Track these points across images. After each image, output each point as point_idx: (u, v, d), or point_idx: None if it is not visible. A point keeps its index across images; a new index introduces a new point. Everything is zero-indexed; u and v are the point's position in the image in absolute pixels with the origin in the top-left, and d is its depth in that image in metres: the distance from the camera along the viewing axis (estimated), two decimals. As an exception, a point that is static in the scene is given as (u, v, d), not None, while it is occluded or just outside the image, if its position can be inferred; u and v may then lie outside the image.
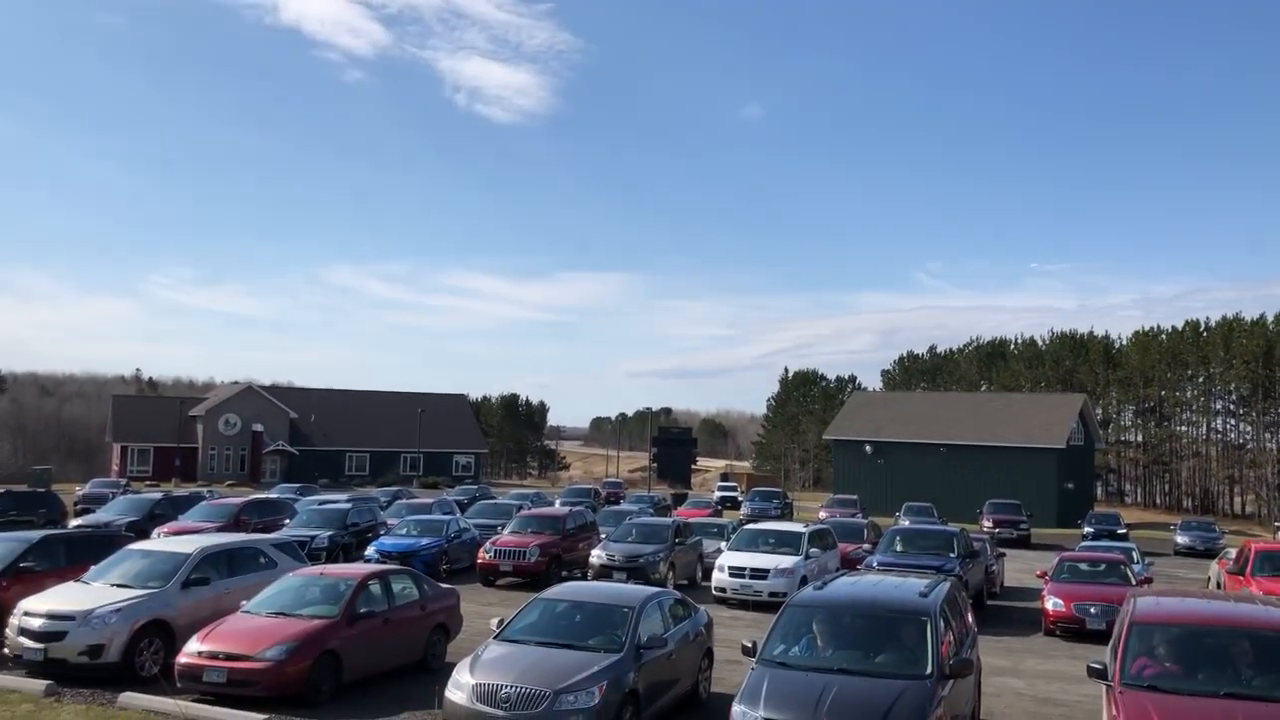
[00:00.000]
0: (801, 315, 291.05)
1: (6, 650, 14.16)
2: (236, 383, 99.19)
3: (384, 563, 22.82)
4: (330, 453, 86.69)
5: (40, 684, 13.08)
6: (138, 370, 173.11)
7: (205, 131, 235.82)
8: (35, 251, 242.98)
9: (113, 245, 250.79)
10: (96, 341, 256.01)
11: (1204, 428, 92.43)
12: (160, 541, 18.30)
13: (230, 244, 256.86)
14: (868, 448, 66.40)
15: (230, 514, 29.69)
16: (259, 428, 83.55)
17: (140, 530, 27.57)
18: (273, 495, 39.44)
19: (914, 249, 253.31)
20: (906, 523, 38.27)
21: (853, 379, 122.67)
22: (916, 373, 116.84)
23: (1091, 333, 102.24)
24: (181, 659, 13.03)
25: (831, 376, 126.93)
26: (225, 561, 16.12)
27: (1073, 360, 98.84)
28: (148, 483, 67.47)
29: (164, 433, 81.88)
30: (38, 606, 14.10)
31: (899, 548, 24.45)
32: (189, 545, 16.29)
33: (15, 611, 14.24)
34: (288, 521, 29.74)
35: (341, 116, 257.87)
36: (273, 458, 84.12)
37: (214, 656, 12.82)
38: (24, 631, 13.88)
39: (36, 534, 18.07)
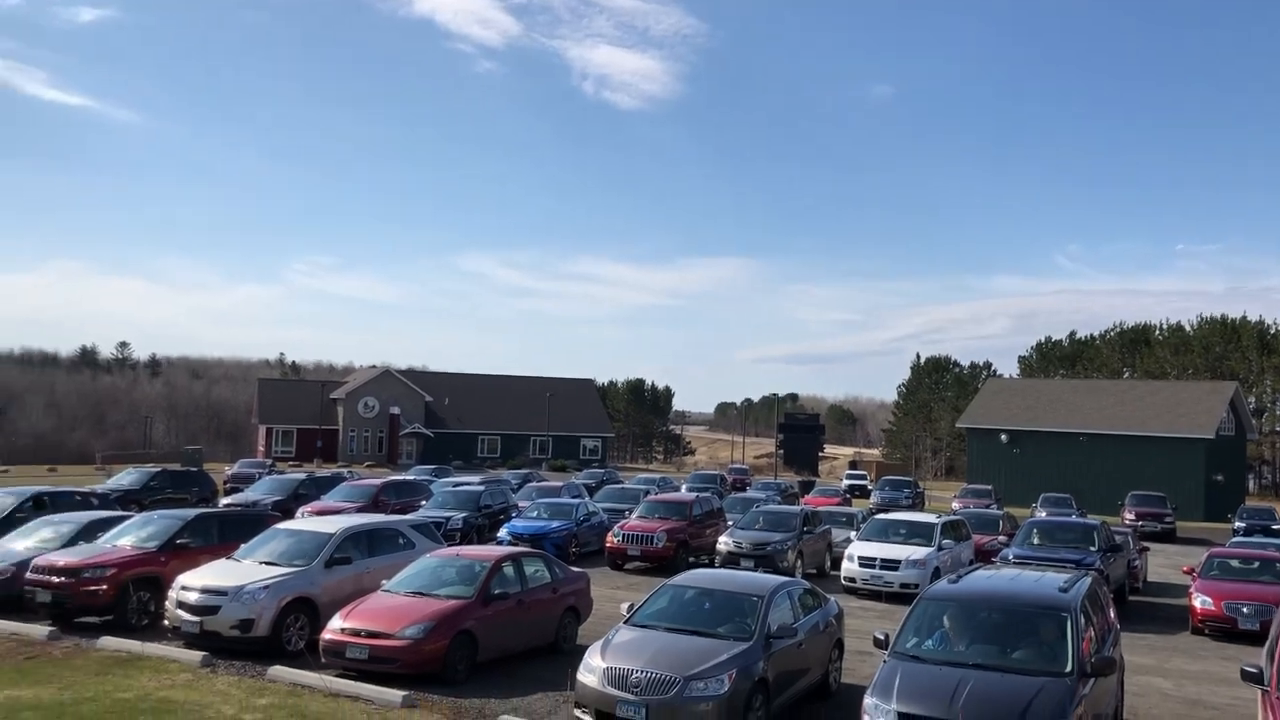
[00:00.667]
0: (933, 299, 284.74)
1: (166, 622, 14.99)
2: (374, 366, 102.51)
3: (516, 545, 23.29)
4: (463, 435, 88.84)
5: (196, 655, 13.82)
6: (281, 354, 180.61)
7: (343, 123, 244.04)
8: (189, 242, 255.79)
9: (258, 235, 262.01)
10: (242, 327, 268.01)
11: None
12: (305, 521, 19.08)
13: (366, 232, 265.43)
14: (1004, 436, 64.61)
15: (370, 495, 30.70)
16: (396, 410, 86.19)
17: (285, 509, 28.80)
18: (409, 477, 40.64)
19: (1052, 231, 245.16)
20: (1044, 514, 37.15)
21: (988, 365, 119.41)
22: (1055, 359, 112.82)
23: (1244, 317, 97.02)
24: (325, 635, 13.57)
25: (965, 362, 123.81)
26: (366, 541, 16.70)
27: (1223, 346, 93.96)
28: (291, 463, 70.37)
29: (306, 415, 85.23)
30: (194, 581, 14.88)
31: (1036, 540, 23.74)
32: (332, 525, 16.94)
33: (174, 585, 15.06)
34: (424, 502, 30.59)
35: (472, 106, 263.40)
36: (409, 440, 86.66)
37: (356, 634, 13.31)
38: (181, 605, 14.67)
39: (192, 512, 19.05)
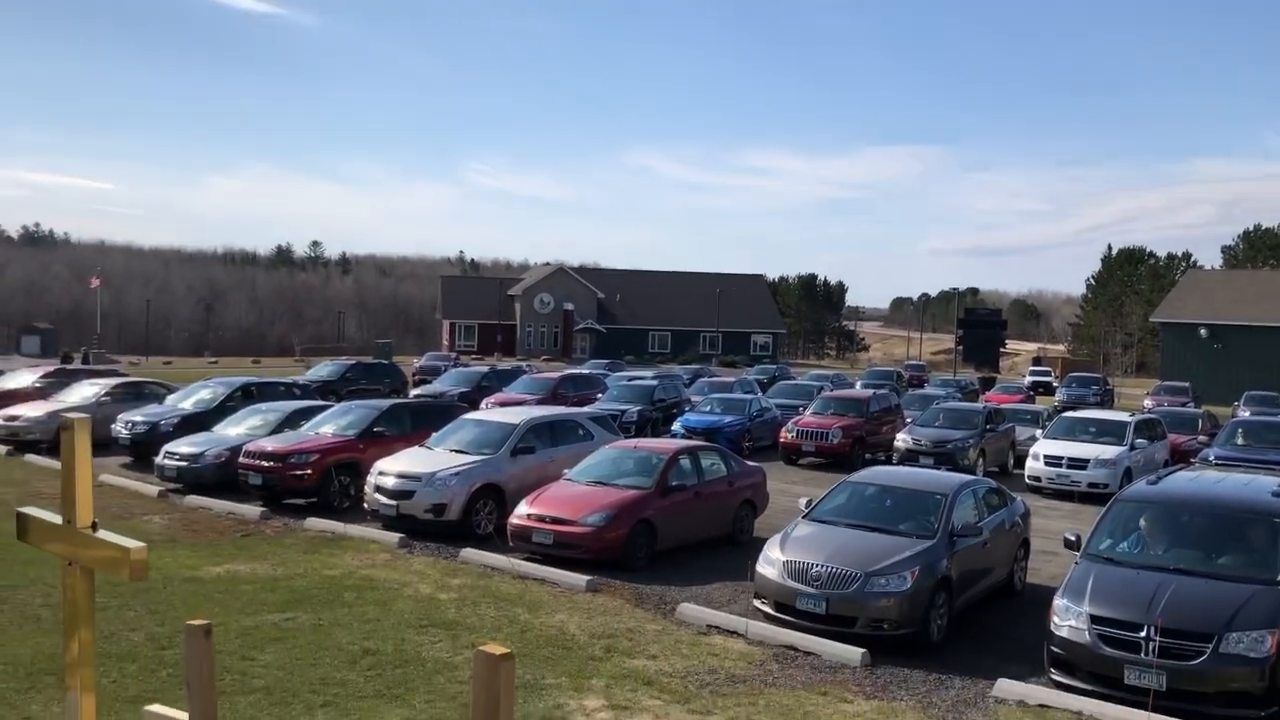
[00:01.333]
0: (1126, 186, 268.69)
1: (365, 505, 15.89)
2: (548, 264, 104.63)
3: (690, 438, 23.54)
4: (634, 331, 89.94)
5: (394, 537, 14.62)
6: (461, 252, 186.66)
7: (514, 23, 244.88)
8: (370, 143, 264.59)
9: (435, 136, 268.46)
10: (423, 225, 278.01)
11: None
12: (491, 412, 19.79)
13: (537, 131, 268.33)
14: (1203, 331, 60.90)
15: (549, 387, 31.57)
16: (570, 306, 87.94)
17: (471, 400, 29.92)
18: (585, 370, 41.52)
19: (1259, 107, 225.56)
20: (1248, 413, 34.95)
21: (1186, 256, 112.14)
22: (1265, 248, 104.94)
23: None
24: (513, 520, 14.11)
25: (1161, 254, 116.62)
26: (548, 432, 17.20)
27: None
28: (473, 356, 72.99)
29: (486, 311, 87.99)
30: (390, 467, 15.69)
31: (1241, 441, 22.45)
32: (517, 416, 17.52)
33: (371, 471, 15.91)
34: (600, 396, 31.24)
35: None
36: (582, 335, 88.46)
37: (541, 520, 13.79)
38: (379, 489, 15.51)
39: (386, 402, 20.02)
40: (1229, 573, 9.69)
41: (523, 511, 14.11)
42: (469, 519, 15.13)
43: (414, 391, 34.57)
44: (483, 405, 27.25)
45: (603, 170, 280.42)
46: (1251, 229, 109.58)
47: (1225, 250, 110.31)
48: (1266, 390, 44.16)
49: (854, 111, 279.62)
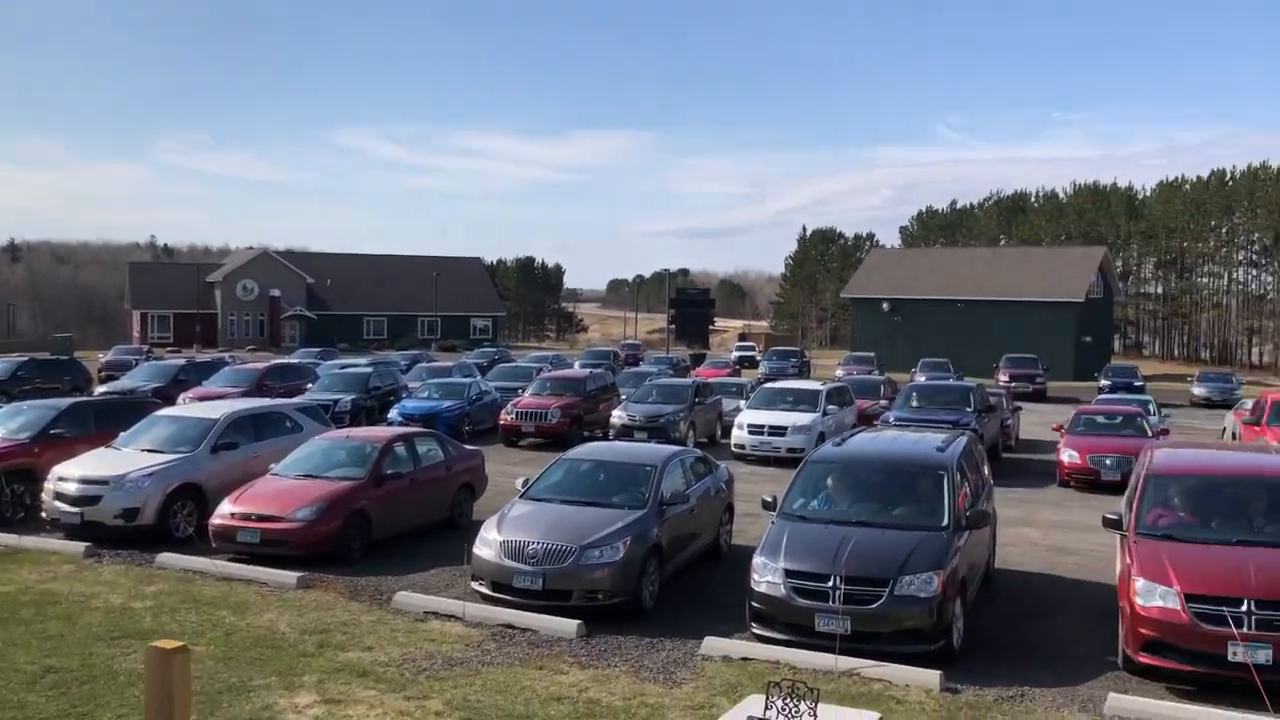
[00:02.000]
0: (820, 171, 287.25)
1: (43, 514, 14.54)
2: (252, 248, 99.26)
3: (407, 425, 23.14)
4: (348, 317, 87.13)
5: (79, 546, 13.50)
6: (152, 237, 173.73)
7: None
8: (40, 118, 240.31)
9: (119, 110, 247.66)
10: (108, 208, 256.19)
11: (1225, 279, 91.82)
12: (188, 407, 18.61)
13: (239, 107, 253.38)
14: (885, 305, 66.31)
15: (253, 379, 30.02)
16: (276, 293, 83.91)
17: (166, 396, 27.93)
18: (294, 360, 39.82)
19: (934, 101, 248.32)
20: (923, 379, 38.48)
21: (871, 236, 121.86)
22: (936, 228, 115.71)
23: (1114, 184, 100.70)
24: (215, 520, 13.39)
25: (850, 234, 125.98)
26: (252, 426, 16.40)
27: (1094, 212, 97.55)
28: (169, 349, 68.22)
29: (182, 299, 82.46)
30: (72, 472, 14.44)
31: (916, 403, 24.62)
32: (217, 410, 16.58)
33: (49, 477, 14.58)
34: (310, 386, 30.07)
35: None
36: (291, 323, 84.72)
37: (246, 518, 13.16)
38: (59, 496, 14.25)
39: (66, 401, 18.38)
40: (902, 522, 10.67)
41: (226, 510, 13.41)
42: (166, 522, 14.19)
43: (99, 389, 31.88)
44: (179, 400, 25.58)
45: (311, 150, 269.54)
46: (924, 210, 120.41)
47: (903, 230, 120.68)
48: (939, 357, 48.80)
49: (569, 95, 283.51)
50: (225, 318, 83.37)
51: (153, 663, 2.65)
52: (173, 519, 14.29)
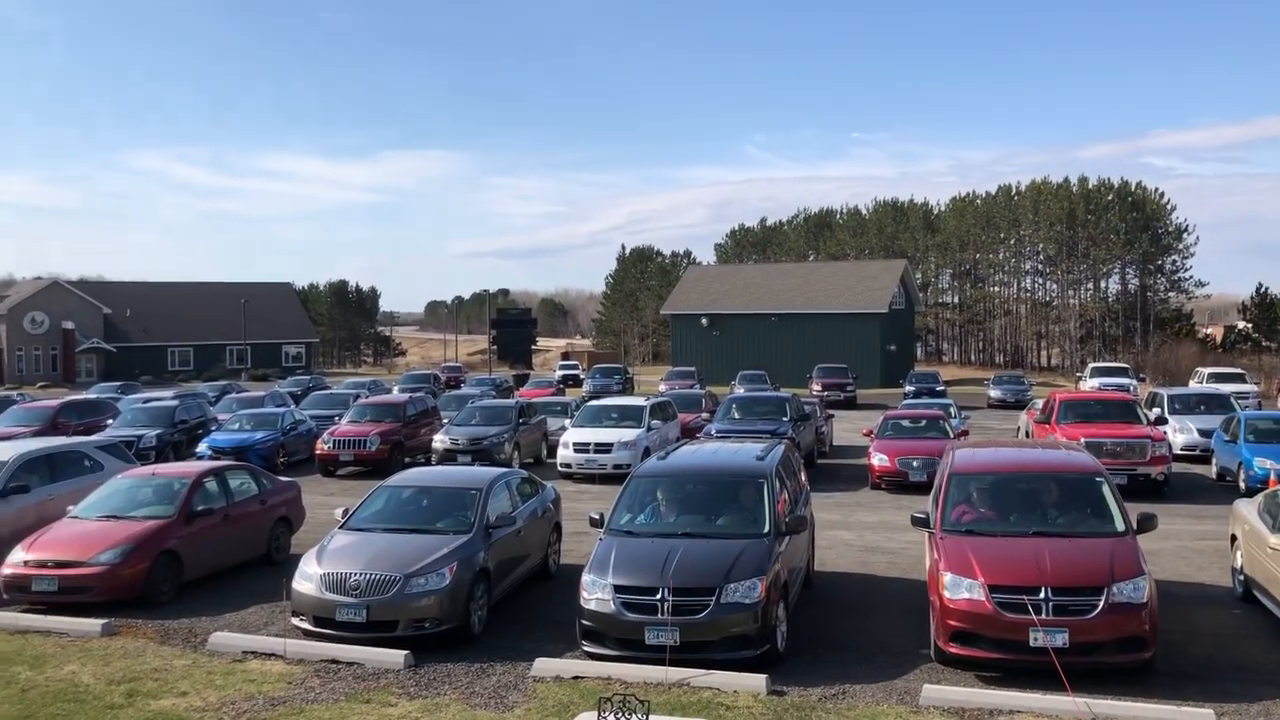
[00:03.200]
0: (635, 191, 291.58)
1: None
2: (40, 278, 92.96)
3: (218, 459, 22.16)
4: (150, 349, 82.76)
5: None
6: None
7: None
8: None
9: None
10: None
11: (1014, 287, 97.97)
12: (-30, 450, 17.25)
13: (19, 129, 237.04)
14: (703, 320, 67.75)
15: (46, 417, 28.16)
16: (70, 325, 78.89)
17: (-54, 440, 25.88)
18: (91, 395, 37.55)
19: (741, 122, 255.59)
20: (741, 391, 39.47)
21: (688, 254, 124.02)
22: (748, 245, 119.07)
23: (911, 200, 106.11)
24: (5, 570, 12.50)
25: (667, 252, 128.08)
26: (46, 467, 15.41)
27: (894, 227, 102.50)
28: (-51, 389, 63.06)
29: (-38, 335, 76.43)
30: None
31: (735, 415, 25.26)
32: (4, 452, 15.45)
33: None
34: (111, 422, 28.46)
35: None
36: (88, 356, 79.80)
37: (42, 565, 12.34)
38: None
39: None
40: (726, 531, 10.93)
41: (18, 559, 12.51)
42: (-51, 575, 13.12)
43: None
44: (-38, 443, 23.69)
45: (101, 174, 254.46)
46: (737, 228, 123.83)
47: (718, 247, 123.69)
48: (756, 369, 50.23)
49: (377, 115, 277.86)
50: (12, 353, 77.72)
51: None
52: (-43, 572, 13.21)
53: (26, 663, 10.24)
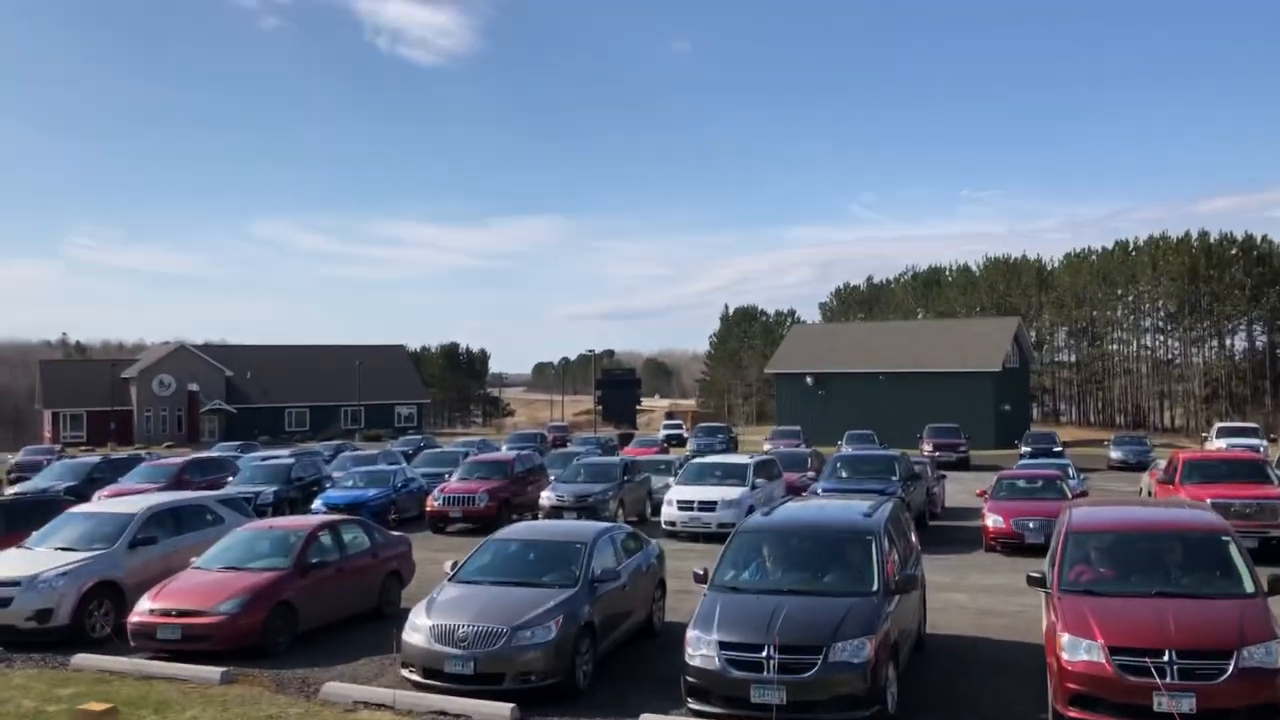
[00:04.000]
0: (738, 251, 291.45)
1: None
2: (168, 343, 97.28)
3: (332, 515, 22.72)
4: (269, 409, 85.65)
5: (-11, 651, 12.95)
6: (64, 334, 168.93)
7: (120, 87, 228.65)
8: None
9: (28, 206, 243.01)
10: (17, 306, 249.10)
11: (1134, 345, 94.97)
12: (104, 503, 18.08)
13: (152, 201, 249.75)
14: (809, 379, 67.17)
15: (172, 474, 29.26)
16: (194, 387, 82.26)
17: (80, 495, 27.07)
18: (213, 454, 38.94)
19: (847, 181, 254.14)
20: (849, 450, 38.94)
21: (792, 313, 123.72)
22: (854, 304, 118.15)
23: (1024, 256, 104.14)
24: (133, 618, 12.97)
25: (771, 311, 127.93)
26: (172, 520, 15.99)
27: (1006, 284, 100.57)
28: (83, 448, 66.27)
29: (96, 397, 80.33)
30: (-19, 574, 13.88)
31: (843, 474, 24.91)
32: (134, 505, 16.14)
33: (-42, 581, 13.99)
34: (231, 479, 29.43)
35: (261, 66, 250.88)
36: (210, 417, 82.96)
37: (167, 614, 12.78)
38: (-31, 601, 13.67)
39: (-28, 502, 17.72)
40: (833, 589, 10.75)
41: (145, 607, 13.00)
42: (81, 622, 13.70)
43: (9, 490, 30.81)
44: (94, 498, 24.81)
45: (227, 241, 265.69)
46: (842, 287, 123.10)
47: (822, 306, 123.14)
48: (863, 429, 49.49)
49: (486, 182, 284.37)
50: (141, 414, 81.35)
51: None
52: (89, 619, 13.80)
53: (151, 708, 10.58)
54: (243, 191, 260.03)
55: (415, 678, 11.08)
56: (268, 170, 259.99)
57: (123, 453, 46.66)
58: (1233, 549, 10.53)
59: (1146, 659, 8.97)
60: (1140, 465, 40.03)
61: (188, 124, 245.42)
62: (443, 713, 10.27)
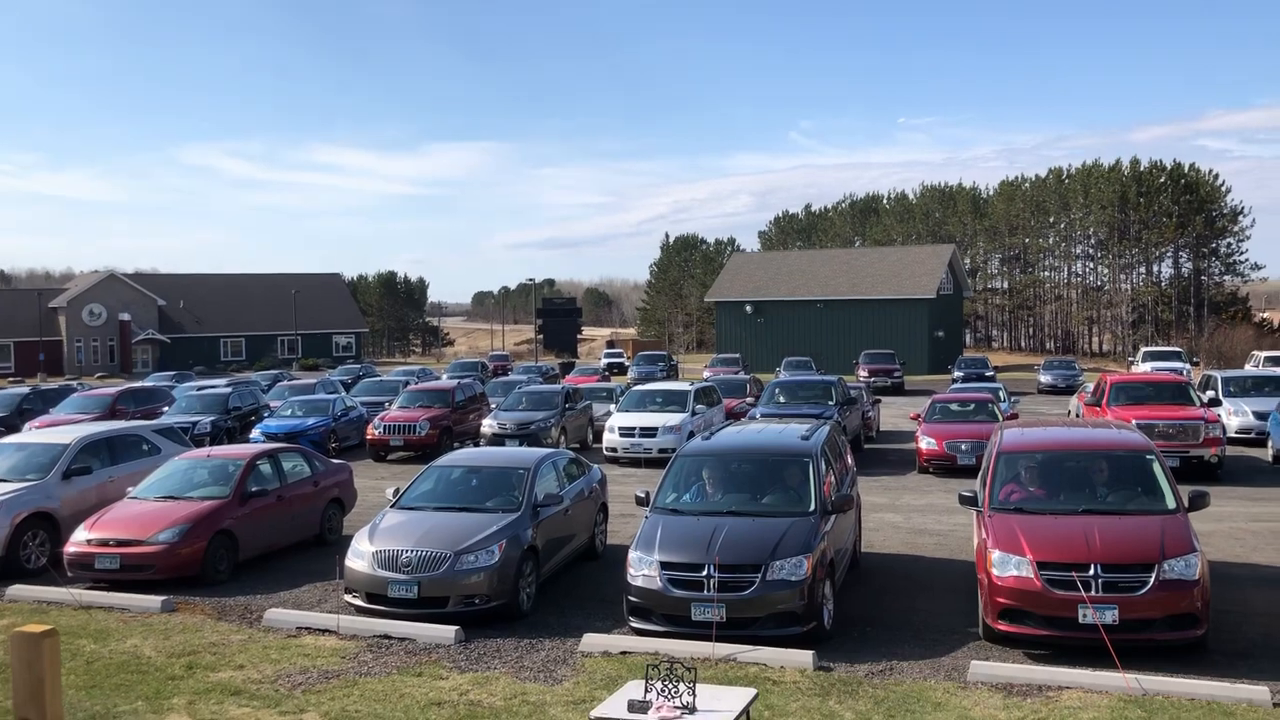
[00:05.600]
0: (678, 180, 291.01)
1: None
2: (97, 271, 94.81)
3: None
4: (204, 339, 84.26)
5: (-80, 584, 12.75)
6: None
7: (34, 4, 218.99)
8: None
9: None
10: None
11: (1065, 272, 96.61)
12: (36, 434, 17.75)
13: (75, 126, 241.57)
14: (748, 307, 67.57)
15: (105, 405, 28.79)
16: (126, 316, 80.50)
17: (10, 426, 26.64)
18: (148, 384, 38.29)
19: (786, 109, 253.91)
20: (786, 376, 39.36)
21: (732, 241, 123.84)
22: (793, 232, 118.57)
23: (959, 184, 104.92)
24: (70, 548, 12.84)
25: (711, 240, 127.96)
26: (107, 450, 15.77)
27: (942, 212, 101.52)
28: (10, 379, 64.73)
29: (23, 326, 78.25)
30: (-92, 507, 13.61)
31: (780, 399, 25.23)
32: (67, 435, 15.86)
33: (-116, 514, 13.71)
34: (166, 409, 29.05)
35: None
36: (143, 347, 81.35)
37: (104, 543, 12.67)
38: (-104, 533, 13.42)
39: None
40: (771, 509, 10.97)
41: (81, 537, 12.87)
42: (15, 554, 13.52)
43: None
44: (25, 429, 24.35)
45: (157, 168, 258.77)
46: (781, 214, 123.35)
47: (762, 235, 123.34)
48: (801, 355, 50.06)
49: (422, 108, 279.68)
50: (71, 344, 79.48)
51: (19, 648, 2.59)
52: (24, 550, 13.63)
53: (91, 636, 10.54)
54: (169, 115, 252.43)
55: (359, 603, 11.16)
56: (195, 94, 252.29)
57: (53, 383, 45.65)
58: (1156, 467, 10.91)
59: (1073, 573, 9.32)
60: (1069, 389, 41.06)
61: (106, 44, 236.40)
62: (386, 636, 10.36)
